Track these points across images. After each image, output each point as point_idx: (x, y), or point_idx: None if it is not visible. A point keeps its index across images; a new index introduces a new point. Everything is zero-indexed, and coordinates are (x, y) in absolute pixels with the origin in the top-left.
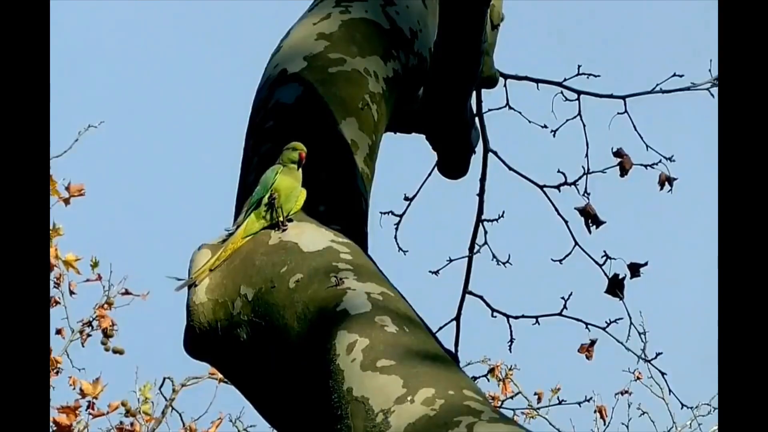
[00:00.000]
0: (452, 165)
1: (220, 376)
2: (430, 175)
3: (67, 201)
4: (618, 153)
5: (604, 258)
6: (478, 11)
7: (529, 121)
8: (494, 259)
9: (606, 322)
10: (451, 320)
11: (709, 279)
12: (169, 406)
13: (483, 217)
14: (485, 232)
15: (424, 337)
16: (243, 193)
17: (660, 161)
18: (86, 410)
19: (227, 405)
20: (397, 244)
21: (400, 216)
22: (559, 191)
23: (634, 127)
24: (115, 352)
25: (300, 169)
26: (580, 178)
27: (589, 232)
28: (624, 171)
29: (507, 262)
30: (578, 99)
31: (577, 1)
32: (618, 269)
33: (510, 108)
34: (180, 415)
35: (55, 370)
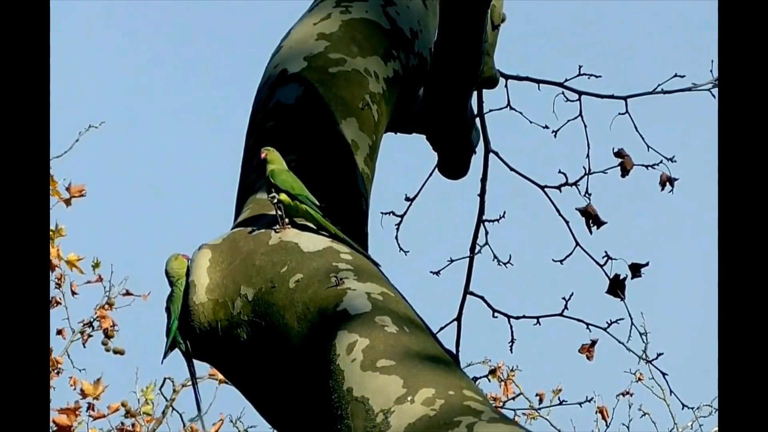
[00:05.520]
0: (453, 165)
1: (221, 376)
2: (431, 175)
3: (68, 202)
4: (619, 153)
5: (605, 258)
6: (478, 11)
7: (530, 122)
8: (495, 260)
9: (607, 323)
10: (452, 320)
11: (710, 279)
12: (170, 407)
13: (484, 218)
14: (486, 233)
15: (425, 338)
16: (243, 193)
17: (661, 161)
18: (86, 411)
19: (227, 405)
20: (398, 244)
21: (401, 216)
22: (560, 192)
23: (635, 127)
24: (115, 352)
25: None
26: (581, 178)
27: (590, 232)
28: (625, 171)
29: (508, 262)
30: (579, 99)
31: (577, 1)
32: (619, 269)
33: (511, 108)
34: (180, 415)
35: (55, 371)
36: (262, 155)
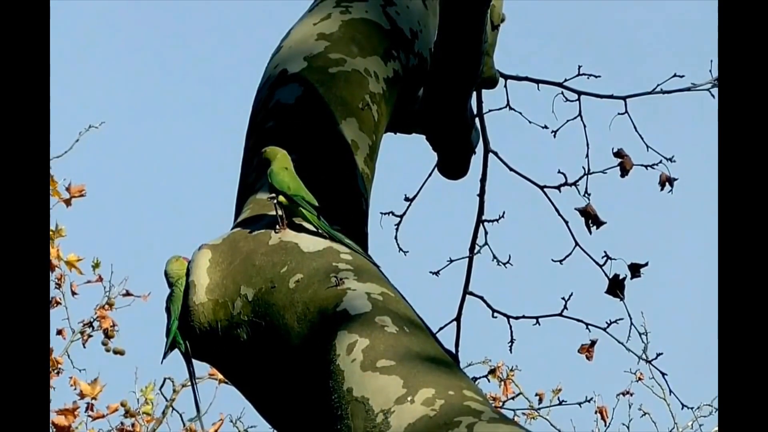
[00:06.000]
0: (452, 165)
1: (221, 376)
2: (430, 175)
3: (68, 202)
4: (618, 153)
5: (605, 258)
6: (478, 11)
7: (530, 122)
8: (495, 260)
9: (606, 323)
10: (452, 321)
11: (709, 279)
12: (170, 407)
13: (483, 218)
14: (486, 233)
15: (425, 338)
16: (243, 193)
17: (660, 161)
18: (85, 411)
19: (227, 405)
20: (398, 244)
21: (401, 216)
22: (560, 192)
23: (635, 127)
24: (115, 352)
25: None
26: (580, 178)
27: (590, 232)
28: (624, 171)
29: (507, 262)
30: (579, 99)
31: (577, 1)
32: (618, 269)
33: (510, 108)
34: (180, 415)
35: (55, 371)
36: (262, 156)
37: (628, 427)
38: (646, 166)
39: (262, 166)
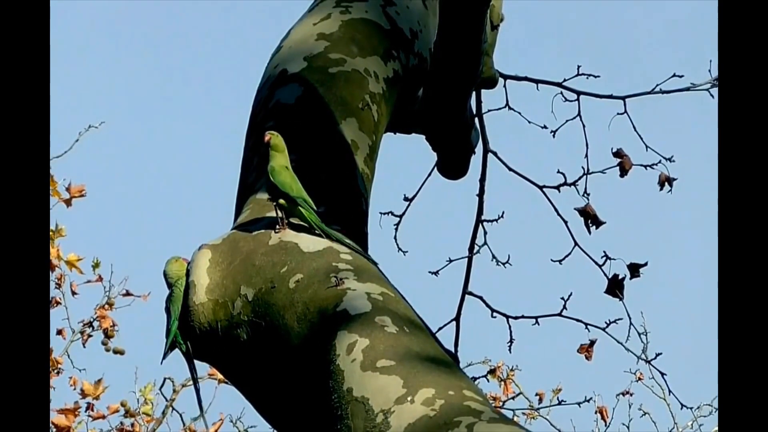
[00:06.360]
0: (452, 165)
1: (220, 376)
2: (429, 175)
3: (68, 202)
4: (618, 153)
5: (604, 258)
6: (478, 11)
7: (529, 122)
8: (494, 260)
9: (606, 323)
10: (451, 320)
11: (709, 279)
12: (170, 407)
13: (483, 218)
14: (485, 233)
15: (425, 338)
16: (243, 193)
17: (660, 161)
18: (85, 411)
19: (227, 405)
20: (397, 244)
21: (400, 216)
22: (559, 192)
23: (634, 127)
24: (115, 352)
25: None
26: (579, 178)
27: (589, 232)
28: (624, 171)
29: (507, 262)
30: (578, 99)
31: (576, 1)
32: (618, 269)
33: (510, 108)
34: (180, 415)
35: (55, 371)
36: (266, 138)
37: (628, 427)
38: (645, 166)
39: (263, 154)
